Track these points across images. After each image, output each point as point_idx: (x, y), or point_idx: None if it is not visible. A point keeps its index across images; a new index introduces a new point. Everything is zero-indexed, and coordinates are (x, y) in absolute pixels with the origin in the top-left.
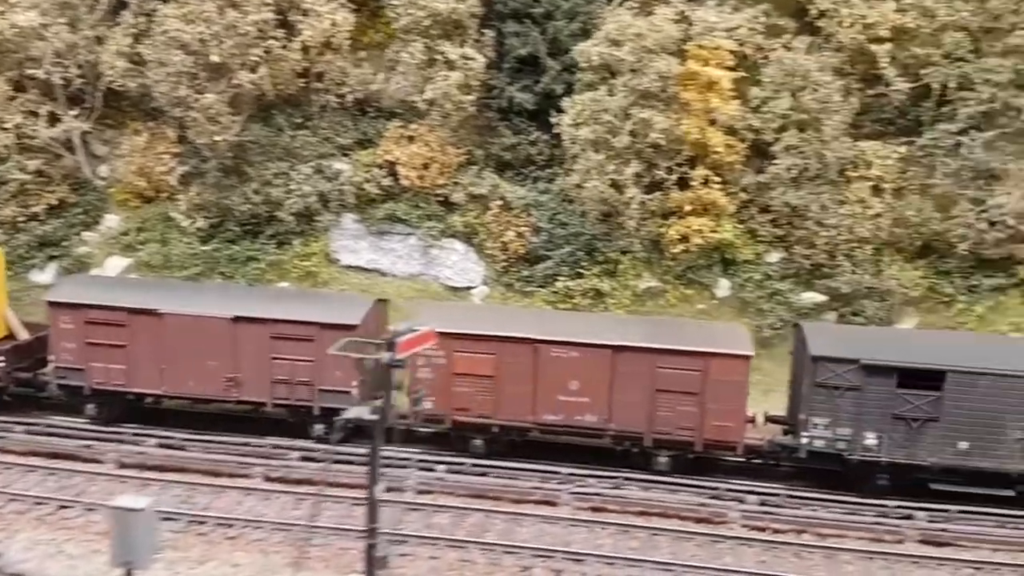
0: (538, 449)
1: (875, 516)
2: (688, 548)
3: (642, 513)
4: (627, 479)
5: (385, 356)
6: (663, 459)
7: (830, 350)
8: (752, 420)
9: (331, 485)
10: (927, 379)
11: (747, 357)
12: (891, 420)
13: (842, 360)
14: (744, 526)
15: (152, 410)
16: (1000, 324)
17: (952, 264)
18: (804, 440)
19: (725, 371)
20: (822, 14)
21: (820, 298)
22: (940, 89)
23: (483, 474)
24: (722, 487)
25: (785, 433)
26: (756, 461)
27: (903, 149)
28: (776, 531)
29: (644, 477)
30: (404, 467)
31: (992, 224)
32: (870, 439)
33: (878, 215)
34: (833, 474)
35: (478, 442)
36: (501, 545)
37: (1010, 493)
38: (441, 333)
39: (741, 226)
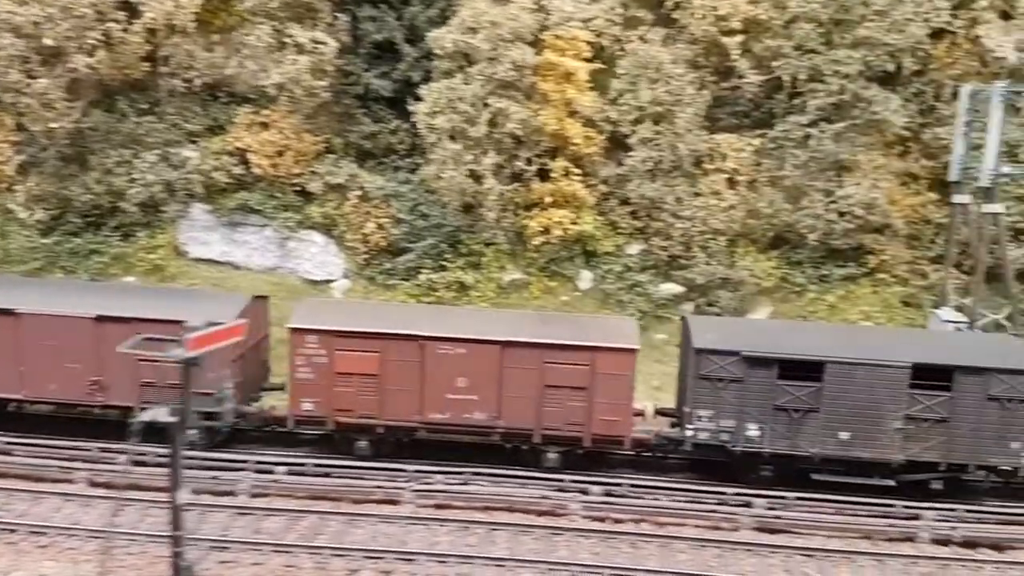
0: (430, 449)
1: (714, 504)
2: (526, 542)
3: (486, 508)
4: (475, 474)
5: (178, 353)
6: (552, 455)
7: (712, 343)
8: (641, 413)
9: (153, 490)
10: (807, 370)
11: (633, 351)
12: (773, 411)
13: (724, 352)
14: (585, 517)
15: (17, 415)
16: (850, 313)
17: (804, 254)
18: (689, 433)
19: (612, 365)
20: (677, 5)
21: (678, 289)
22: (791, 81)
23: (325, 475)
24: (567, 479)
25: (673, 426)
26: (646, 455)
27: (757, 141)
28: (616, 521)
29: (493, 472)
30: (240, 470)
31: (841, 215)
32: (753, 430)
33: (732, 207)
34: (721, 465)
35: (363, 443)
36: (330, 548)
37: (891, 483)
38: (322, 331)
39: (602, 218)
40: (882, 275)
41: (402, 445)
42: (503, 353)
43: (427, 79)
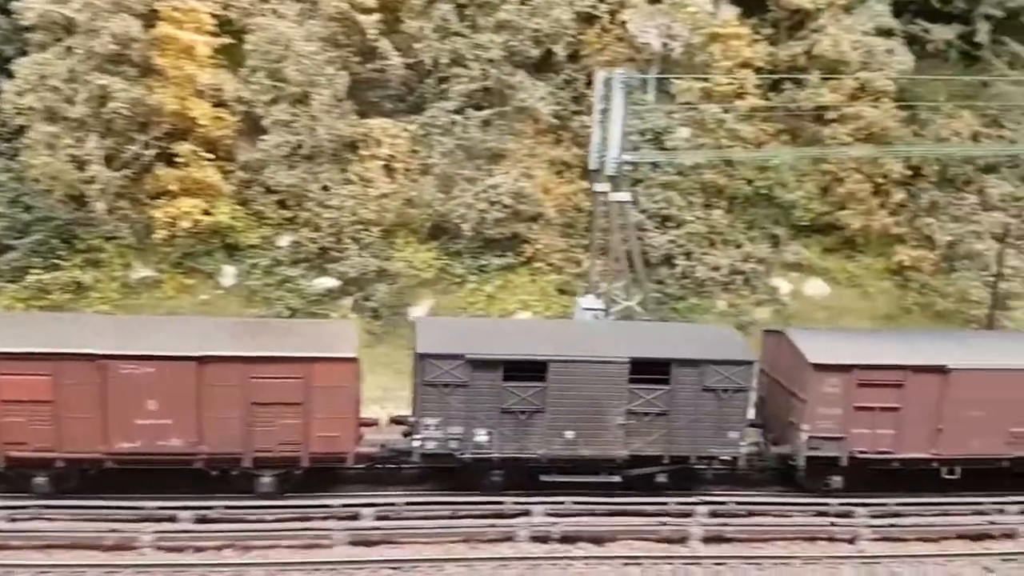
0: (142, 480)
1: (306, 522)
2: None
3: (231, 547)
4: (229, 507)
5: None
6: (267, 479)
7: (436, 347)
8: (374, 423)
9: None
10: (531, 371)
11: (352, 360)
12: (500, 415)
13: (448, 356)
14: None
15: None
16: (509, 303)
17: (462, 245)
18: (416, 443)
19: (329, 377)
20: None
21: (333, 283)
22: (432, 64)
23: (50, 519)
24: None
25: (405, 435)
26: (379, 467)
27: (414, 127)
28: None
29: (251, 504)
30: None
31: (492, 204)
32: (481, 436)
33: (384, 196)
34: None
35: (40, 480)
36: None
37: (616, 479)
38: None
39: (243, 208)
40: (538, 264)
41: (90, 479)
42: (200, 370)
43: (24, 53)
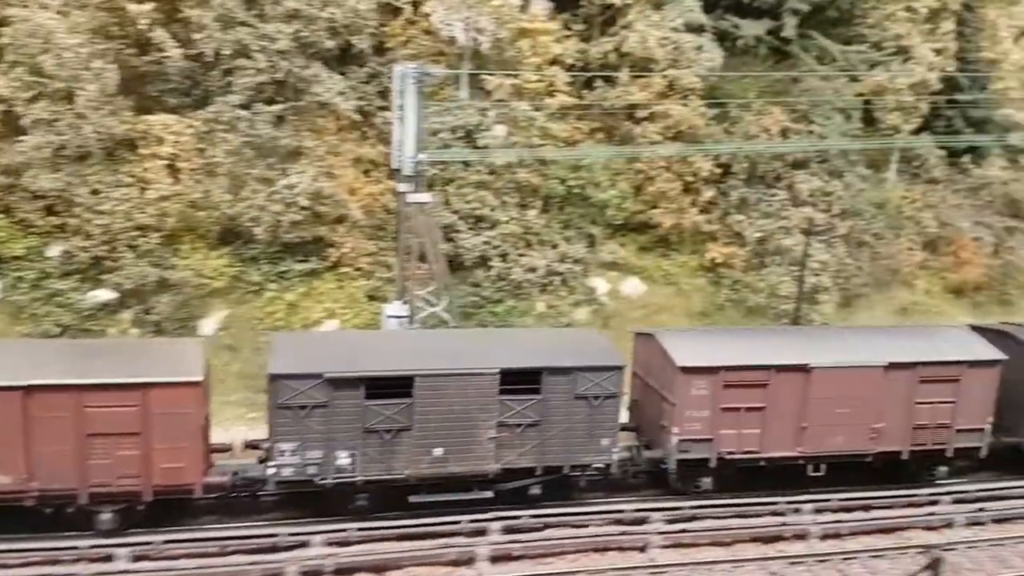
0: None
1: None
2: None
3: None
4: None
5: None
6: (107, 516)
7: (291, 366)
8: (227, 449)
9: None
10: (396, 387)
11: (196, 383)
12: (364, 435)
13: (304, 376)
14: None
15: None
16: (314, 311)
17: (259, 250)
18: (271, 470)
19: (170, 402)
20: None
21: (108, 296)
22: (214, 56)
23: None
24: None
25: (261, 461)
26: (233, 497)
27: (199, 123)
28: None
29: None
30: None
31: (288, 206)
32: (343, 459)
33: (165, 198)
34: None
35: None
36: None
37: (489, 494)
38: None
39: (5, 216)
40: (345, 269)
41: None
42: (27, 400)
43: None
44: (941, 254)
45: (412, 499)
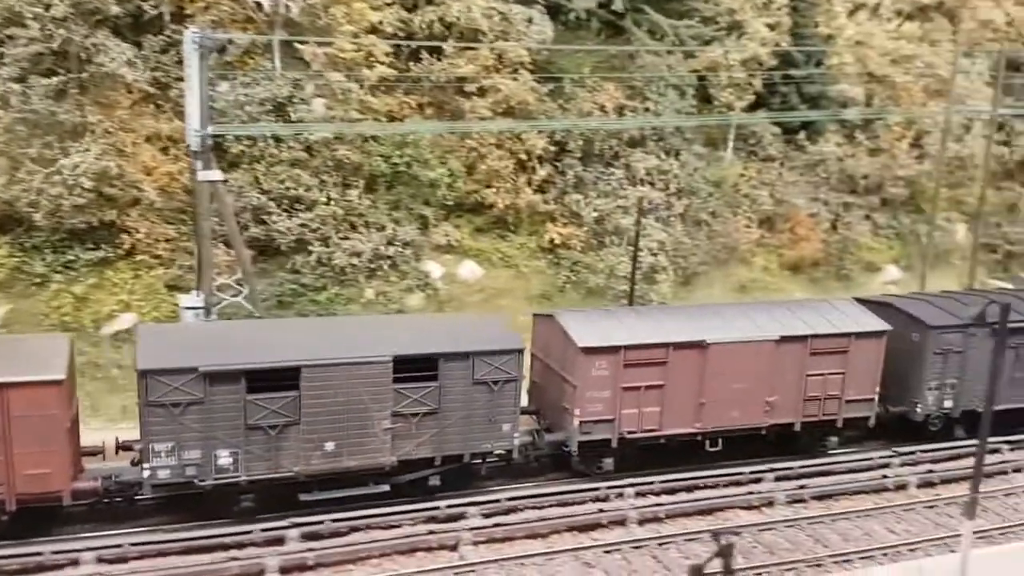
0: None
1: None
2: None
3: None
4: None
5: None
6: None
7: (161, 360)
8: (98, 452)
9: None
10: (280, 379)
11: (58, 382)
12: (246, 432)
13: (177, 371)
14: None
15: None
16: (106, 304)
17: (42, 237)
18: (146, 473)
19: (31, 404)
20: None
21: None
22: None
23: None
24: None
25: (134, 464)
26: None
27: None
28: None
29: None
30: None
31: (70, 188)
32: (224, 458)
33: None
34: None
35: None
36: None
37: (385, 488)
38: None
39: None
40: (141, 256)
41: None
42: None
43: None
44: (778, 231)
45: (303, 497)
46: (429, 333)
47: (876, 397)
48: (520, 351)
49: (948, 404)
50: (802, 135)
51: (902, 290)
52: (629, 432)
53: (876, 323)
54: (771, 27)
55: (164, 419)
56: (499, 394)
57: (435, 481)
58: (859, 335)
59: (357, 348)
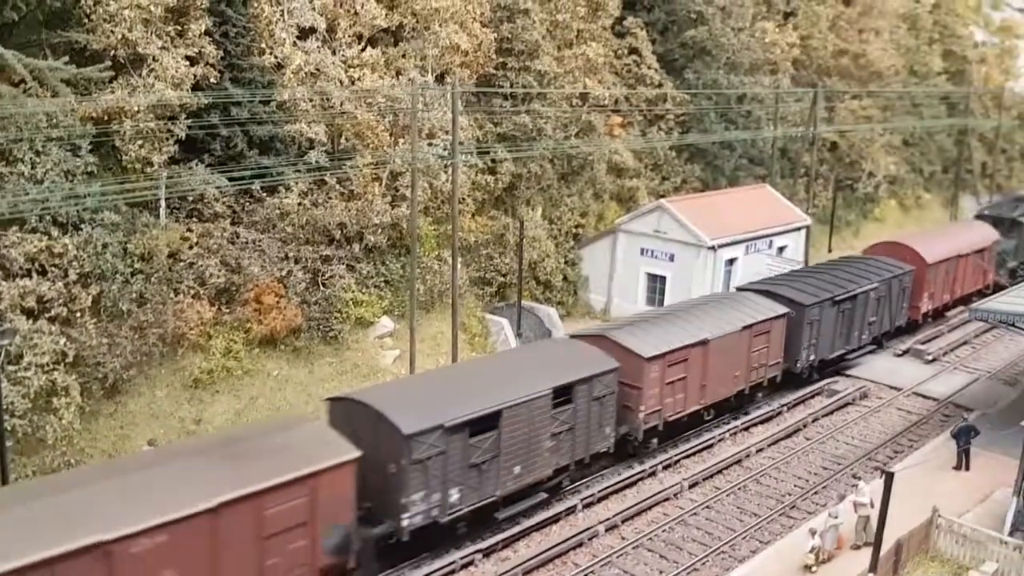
0: None
1: None
2: None
3: None
4: None
5: None
6: None
7: (419, 424)
8: None
9: None
10: (489, 421)
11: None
12: (467, 470)
13: (431, 430)
14: None
15: None
16: None
17: None
18: (405, 523)
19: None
20: None
21: None
22: None
23: None
24: None
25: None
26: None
27: None
28: None
29: None
30: None
31: None
32: (454, 495)
33: None
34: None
35: None
36: None
37: (544, 496)
38: None
39: None
40: None
41: None
42: None
43: None
44: (240, 303)
45: (500, 515)
46: (555, 365)
47: (781, 360)
48: (617, 368)
49: (811, 357)
50: (257, 185)
51: (397, 341)
52: (668, 417)
53: (780, 309)
54: (192, 60)
55: (420, 473)
56: (605, 406)
57: (566, 482)
58: (775, 318)
59: (530, 384)
